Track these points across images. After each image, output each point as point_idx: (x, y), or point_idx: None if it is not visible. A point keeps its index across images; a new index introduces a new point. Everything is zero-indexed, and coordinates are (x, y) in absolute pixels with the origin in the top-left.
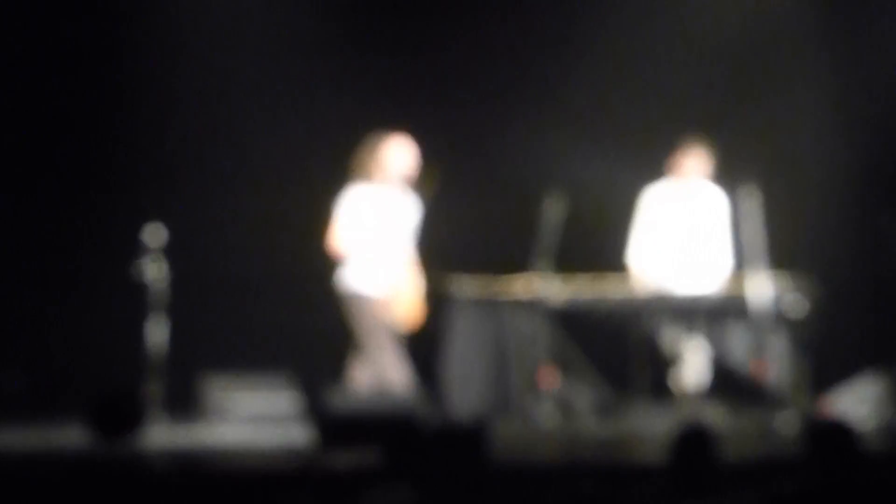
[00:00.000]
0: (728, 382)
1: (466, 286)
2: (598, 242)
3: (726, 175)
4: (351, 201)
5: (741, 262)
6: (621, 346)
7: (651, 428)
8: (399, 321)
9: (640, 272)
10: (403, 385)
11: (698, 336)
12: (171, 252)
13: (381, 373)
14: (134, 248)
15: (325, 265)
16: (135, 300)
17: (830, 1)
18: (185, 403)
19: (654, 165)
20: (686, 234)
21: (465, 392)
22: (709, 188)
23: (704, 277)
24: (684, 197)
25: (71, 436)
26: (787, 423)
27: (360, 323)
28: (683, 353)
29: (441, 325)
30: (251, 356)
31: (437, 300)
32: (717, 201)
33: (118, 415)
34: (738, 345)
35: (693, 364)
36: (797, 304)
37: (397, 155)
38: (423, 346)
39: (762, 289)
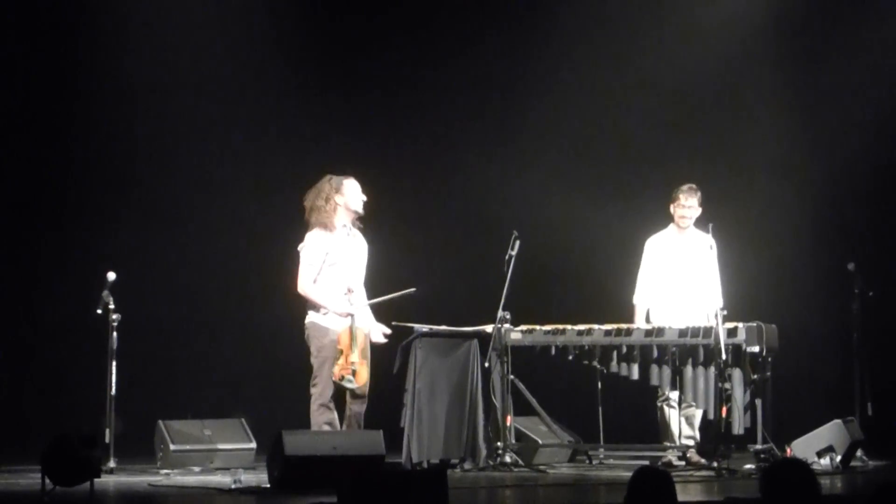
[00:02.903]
0: (696, 426)
1: (432, 330)
2: (564, 285)
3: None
4: (314, 246)
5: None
6: (585, 389)
7: (613, 471)
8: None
9: (643, 313)
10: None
11: (668, 381)
12: (127, 296)
13: (322, 409)
14: (91, 293)
15: (282, 308)
16: (91, 344)
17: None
18: (140, 448)
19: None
20: (683, 279)
21: (429, 435)
22: (700, 235)
23: (698, 319)
24: (681, 244)
25: (25, 483)
26: (749, 465)
27: (317, 356)
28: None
29: (405, 367)
30: (208, 400)
31: (401, 344)
32: (707, 247)
33: (74, 462)
34: (704, 389)
35: (666, 409)
36: (763, 350)
37: (350, 195)
38: (387, 388)
39: (728, 335)
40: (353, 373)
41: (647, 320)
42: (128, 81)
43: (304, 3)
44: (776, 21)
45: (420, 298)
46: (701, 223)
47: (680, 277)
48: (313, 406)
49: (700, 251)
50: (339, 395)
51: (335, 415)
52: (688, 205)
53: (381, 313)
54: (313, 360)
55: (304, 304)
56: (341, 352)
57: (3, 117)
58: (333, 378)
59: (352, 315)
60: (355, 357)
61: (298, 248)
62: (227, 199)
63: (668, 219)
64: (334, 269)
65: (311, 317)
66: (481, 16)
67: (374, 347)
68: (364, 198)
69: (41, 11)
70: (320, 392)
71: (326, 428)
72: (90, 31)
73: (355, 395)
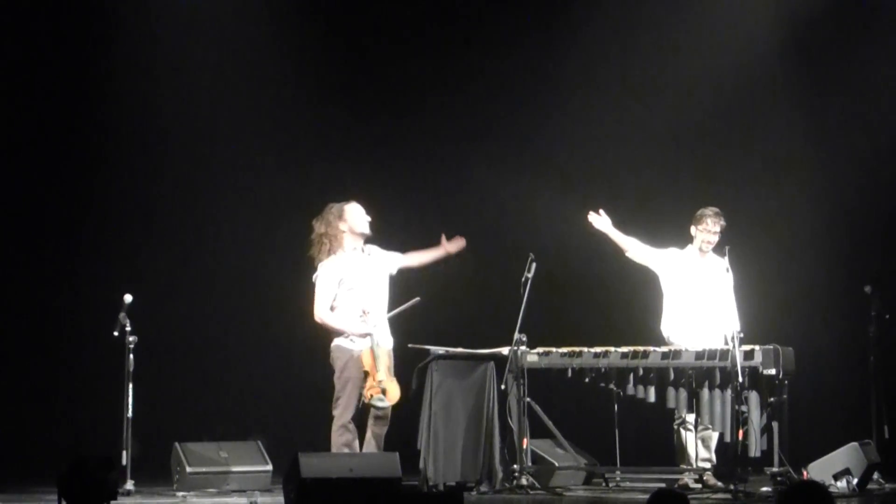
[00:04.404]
0: (712, 448)
1: (448, 353)
2: (582, 307)
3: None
4: (327, 274)
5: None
6: (602, 412)
7: (630, 494)
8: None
9: (671, 337)
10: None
11: (685, 403)
12: (143, 319)
13: (341, 431)
14: (111, 316)
15: (299, 330)
16: (108, 367)
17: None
18: (157, 470)
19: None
20: (702, 302)
21: (445, 457)
22: (717, 259)
23: (715, 342)
24: (701, 267)
25: None
26: (766, 487)
27: (340, 378)
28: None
29: (421, 390)
30: (224, 422)
31: (418, 366)
32: (724, 270)
33: (91, 485)
34: (721, 412)
35: (683, 432)
36: (779, 372)
37: (353, 219)
38: (403, 410)
39: (745, 357)
40: (384, 391)
41: (668, 342)
42: (149, 105)
43: (312, 25)
44: (794, 35)
45: (436, 321)
46: (717, 247)
47: (699, 301)
48: (334, 427)
49: (717, 275)
50: (362, 417)
51: (354, 436)
52: (714, 230)
53: (397, 336)
54: (336, 381)
55: (326, 332)
56: (366, 373)
57: (21, 137)
58: (364, 400)
59: (370, 335)
60: (382, 375)
61: (313, 279)
62: (242, 222)
63: (685, 238)
64: (352, 294)
65: (336, 341)
66: (493, 34)
67: (394, 369)
68: (369, 218)
69: (63, 27)
70: (341, 413)
71: (345, 450)
72: (109, 54)
73: (377, 416)
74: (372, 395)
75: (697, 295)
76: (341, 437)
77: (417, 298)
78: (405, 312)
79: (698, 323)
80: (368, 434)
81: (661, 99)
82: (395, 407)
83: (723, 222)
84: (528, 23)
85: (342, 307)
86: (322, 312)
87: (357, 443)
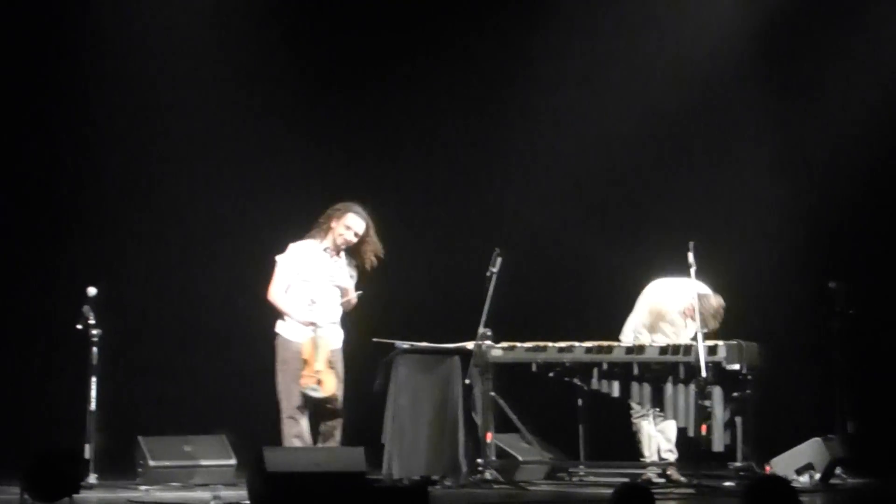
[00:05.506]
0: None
1: (413, 347)
2: (550, 302)
3: (672, 240)
4: (290, 259)
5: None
6: (566, 406)
7: (594, 488)
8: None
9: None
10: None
11: (649, 398)
12: (107, 312)
13: (290, 422)
14: (74, 309)
15: (265, 324)
16: (72, 360)
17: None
18: (121, 464)
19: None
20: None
21: (410, 451)
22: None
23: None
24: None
25: (3, 498)
26: (729, 482)
27: (280, 369)
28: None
29: (386, 384)
30: (189, 416)
31: (383, 360)
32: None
33: (54, 478)
34: (685, 407)
35: (645, 426)
36: (743, 368)
37: (341, 226)
38: (368, 404)
39: (709, 353)
40: (319, 382)
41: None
42: (117, 96)
43: (304, 24)
44: (761, 38)
45: (402, 315)
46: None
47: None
48: (283, 418)
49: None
50: (313, 411)
51: (303, 426)
52: (710, 323)
53: (361, 330)
54: (277, 372)
55: (272, 314)
56: (305, 362)
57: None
58: (300, 388)
59: (314, 325)
60: (320, 366)
61: (276, 257)
62: (208, 216)
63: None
64: (306, 286)
65: (277, 327)
66: (470, 32)
67: (357, 363)
68: (354, 237)
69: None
70: (286, 405)
71: (296, 441)
72: (80, 43)
73: (327, 410)
74: (306, 384)
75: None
76: (291, 428)
77: (360, 292)
78: (346, 305)
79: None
80: (322, 428)
81: (627, 99)
82: (351, 404)
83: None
84: (494, 16)
85: (293, 294)
86: (275, 293)
87: (307, 433)
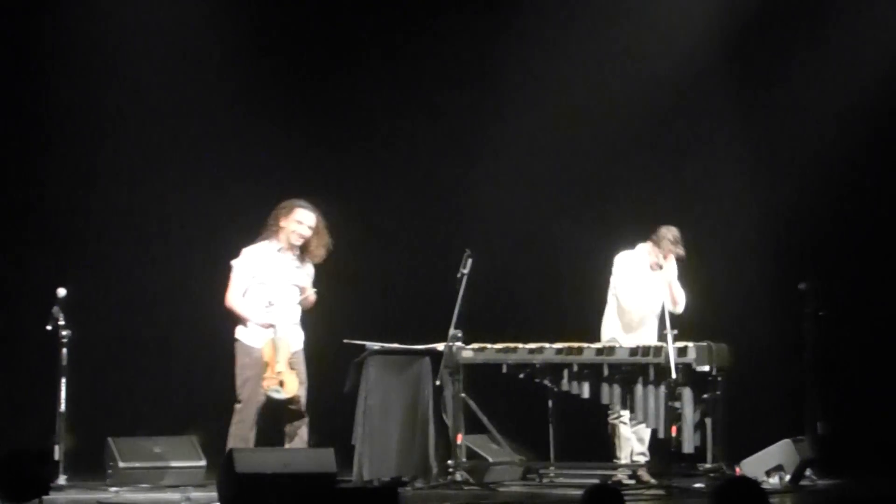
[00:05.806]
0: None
1: (383, 348)
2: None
3: (644, 241)
4: (245, 264)
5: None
6: (537, 407)
7: (564, 490)
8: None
9: (610, 332)
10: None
11: (619, 399)
12: (77, 313)
13: (240, 424)
14: (44, 310)
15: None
16: (41, 361)
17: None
18: (90, 465)
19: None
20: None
21: (380, 453)
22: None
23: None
24: (653, 281)
25: None
26: (699, 483)
27: (240, 374)
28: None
29: (357, 385)
30: (159, 417)
31: (353, 361)
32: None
33: (23, 479)
34: (655, 408)
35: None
36: (713, 369)
37: (292, 222)
38: (338, 405)
39: (679, 354)
40: (281, 383)
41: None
42: (85, 97)
43: (271, 23)
44: (730, 40)
45: (372, 316)
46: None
47: (646, 313)
48: (233, 420)
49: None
50: (277, 413)
51: (252, 435)
52: (678, 252)
53: (332, 331)
54: (237, 377)
55: (231, 320)
56: (266, 364)
57: None
58: (263, 391)
59: (273, 326)
60: (281, 367)
61: (231, 262)
62: (179, 218)
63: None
64: (262, 288)
65: (237, 333)
66: (440, 27)
67: (327, 365)
68: (309, 230)
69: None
70: (241, 408)
71: (241, 444)
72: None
73: (290, 411)
74: (269, 386)
75: (646, 309)
76: (239, 430)
77: (314, 290)
78: (305, 303)
79: (643, 332)
80: (288, 429)
81: (597, 99)
82: (319, 405)
83: (675, 238)
84: (469, 15)
85: (250, 298)
86: (232, 298)
87: (253, 438)
